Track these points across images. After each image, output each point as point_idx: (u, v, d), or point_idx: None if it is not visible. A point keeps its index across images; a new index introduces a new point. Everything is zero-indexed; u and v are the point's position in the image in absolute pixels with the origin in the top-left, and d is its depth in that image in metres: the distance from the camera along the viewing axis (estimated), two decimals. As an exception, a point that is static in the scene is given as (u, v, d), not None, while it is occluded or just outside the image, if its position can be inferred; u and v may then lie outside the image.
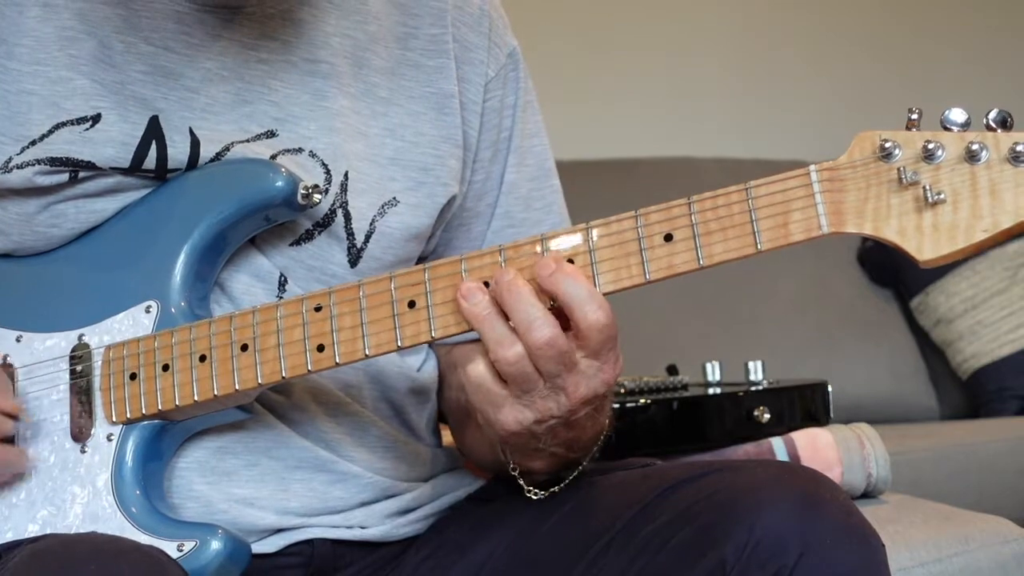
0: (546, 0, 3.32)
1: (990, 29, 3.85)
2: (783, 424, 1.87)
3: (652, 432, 1.84)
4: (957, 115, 1.09)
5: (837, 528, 1.14)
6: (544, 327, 1.12)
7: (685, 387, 1.98)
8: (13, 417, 1.29)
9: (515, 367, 1.14)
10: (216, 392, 1.24)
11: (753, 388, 1.92)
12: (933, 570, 1.68)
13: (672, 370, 2.09)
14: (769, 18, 3.71)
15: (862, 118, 3.80)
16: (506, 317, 1.14)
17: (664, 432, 1.84)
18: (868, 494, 1.85)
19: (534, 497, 1.28)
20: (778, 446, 1.83)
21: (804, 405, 1.92)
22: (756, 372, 1.99)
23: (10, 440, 1.29)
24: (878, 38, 3.76)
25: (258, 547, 1.29)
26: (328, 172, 1.32)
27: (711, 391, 1.94)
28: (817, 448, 1.82)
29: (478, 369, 1.16)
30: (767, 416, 1.85)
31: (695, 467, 1.25)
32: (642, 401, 1.84)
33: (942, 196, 1.07)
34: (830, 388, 1.95)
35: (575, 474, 1.29)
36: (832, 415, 1.94)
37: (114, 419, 1.27)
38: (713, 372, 2.03)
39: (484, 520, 1.35)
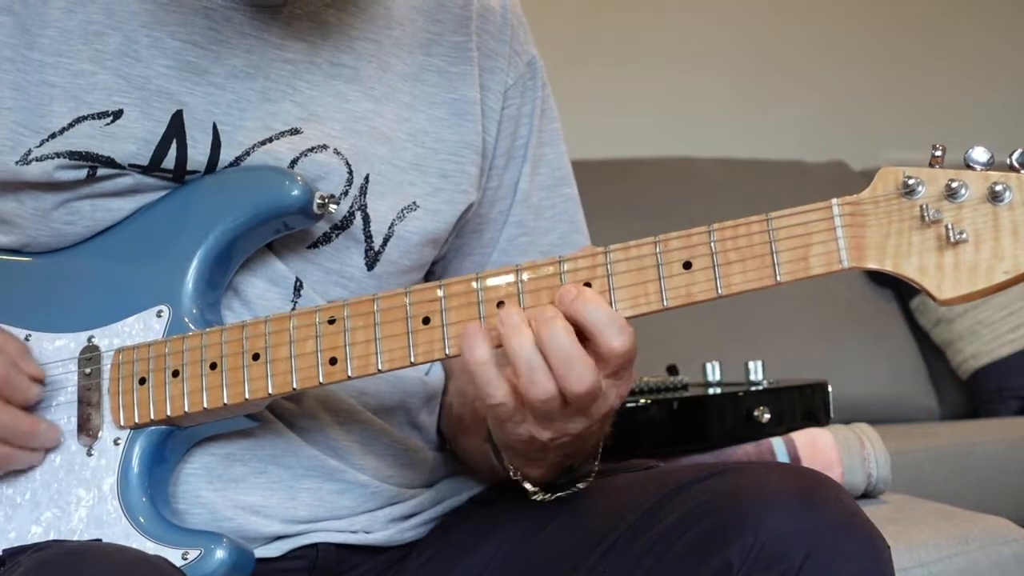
0: (546, 1, 3.32)
1: (990, 31, 3.86)
2: (783, 424, 1.87)
3: (652, 432, 1.84)
4: (980, 154, 1.08)
5: (841, 530, 1.14)
6: (585, 375, 1.11)
7: (685, 387, 1.98)
8: (39, 382, 1.27)
9: (547, 406, 1.13)
10: (226, 401, 1.23)
11: (753, 388, 1.93)
12: (933, 570, 1.69)
13: (672, 370, 2.09)
14: (769, 19, 3.71)
15: (861, 119, 3.81)
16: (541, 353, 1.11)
17: (664, 432, 1.85)
18: (868, 494, 1.85)
19: (539, 500, 1.28)
20: (778, 446, 1.83)
21: (804, 405, 1.92)
22: (756, 372, 1.99)
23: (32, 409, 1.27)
24: (877, 39, 3.76)
25: (262, 551, 1.29)
26: (350, 172, 1.33)
27: (711, 391, 1.94)
28: (817, 448, 1.83)
29: (500, 393, 1.13)
30: (767, 416, 1.85)
31: (698, 469, 1.25)
32: (642, 401, 1.85)
33: (964, 235, 1.06)
34: (830, 388, 1.95)
35: (586, 482, 1.28)
36: (832, 415, 1.94)
37: (122, 423, 1.26)
38: (713, 372, 2.04)
39: (486, 523, 1.36)
